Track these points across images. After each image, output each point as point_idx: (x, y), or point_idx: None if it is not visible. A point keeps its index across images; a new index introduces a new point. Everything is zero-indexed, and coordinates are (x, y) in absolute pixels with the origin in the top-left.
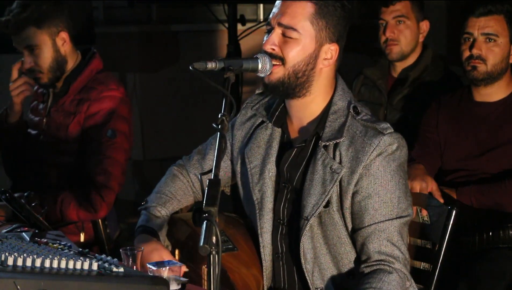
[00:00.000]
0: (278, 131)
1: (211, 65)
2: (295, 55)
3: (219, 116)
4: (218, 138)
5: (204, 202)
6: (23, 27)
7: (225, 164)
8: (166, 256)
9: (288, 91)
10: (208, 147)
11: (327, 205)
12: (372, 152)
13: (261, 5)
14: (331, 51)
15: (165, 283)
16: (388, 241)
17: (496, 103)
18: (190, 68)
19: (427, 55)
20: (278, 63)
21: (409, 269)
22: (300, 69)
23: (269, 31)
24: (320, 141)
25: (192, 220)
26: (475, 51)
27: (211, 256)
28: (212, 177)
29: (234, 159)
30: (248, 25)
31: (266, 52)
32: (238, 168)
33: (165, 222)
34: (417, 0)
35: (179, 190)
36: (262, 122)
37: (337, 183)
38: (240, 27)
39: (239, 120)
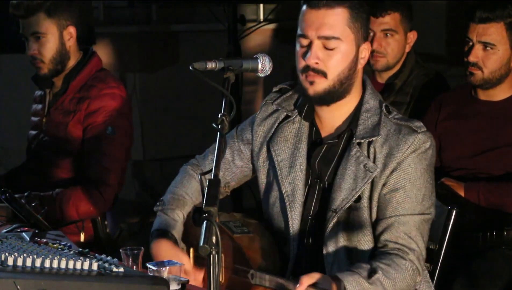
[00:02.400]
0: (306, 126)
1: (211, 65)
2: (339, 64)
3: (219, 116)
4: (217, 138)
5: (204, 202)
6: (34, 12)
7: (241, 162)
8: (185, 262)
9: (334, 98)
10: None
11: (358, 200)
12: (407, 149)
13: (261, 5)
14: (365, 50)
15: (165, 283)
16: (406, 234)
17: (501, 102)
18: (190, 68)
19: (411, 59)
20: (320, 76)
21: (423, 266)
22: (345, 76)
23: (304, 44)
24: (354, 138)
25: (192, 220)
26: (471, 58)
27: (211, 256)
28: (212, 177)
29: (255, 155)
30: (248, 25)
31: (309, 67)
32: (260, 163)
33: (181, 225)
34: (406, 11)
35: (195, 192)
36: (287, 116)
37: (369, 181)
38: (240, 27)
39: (259, 116)
